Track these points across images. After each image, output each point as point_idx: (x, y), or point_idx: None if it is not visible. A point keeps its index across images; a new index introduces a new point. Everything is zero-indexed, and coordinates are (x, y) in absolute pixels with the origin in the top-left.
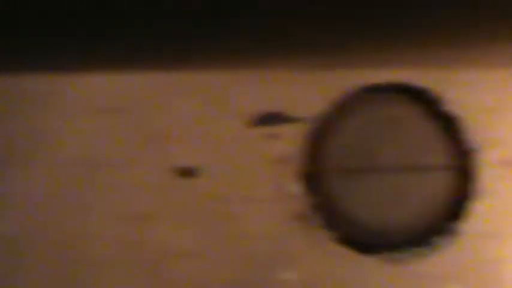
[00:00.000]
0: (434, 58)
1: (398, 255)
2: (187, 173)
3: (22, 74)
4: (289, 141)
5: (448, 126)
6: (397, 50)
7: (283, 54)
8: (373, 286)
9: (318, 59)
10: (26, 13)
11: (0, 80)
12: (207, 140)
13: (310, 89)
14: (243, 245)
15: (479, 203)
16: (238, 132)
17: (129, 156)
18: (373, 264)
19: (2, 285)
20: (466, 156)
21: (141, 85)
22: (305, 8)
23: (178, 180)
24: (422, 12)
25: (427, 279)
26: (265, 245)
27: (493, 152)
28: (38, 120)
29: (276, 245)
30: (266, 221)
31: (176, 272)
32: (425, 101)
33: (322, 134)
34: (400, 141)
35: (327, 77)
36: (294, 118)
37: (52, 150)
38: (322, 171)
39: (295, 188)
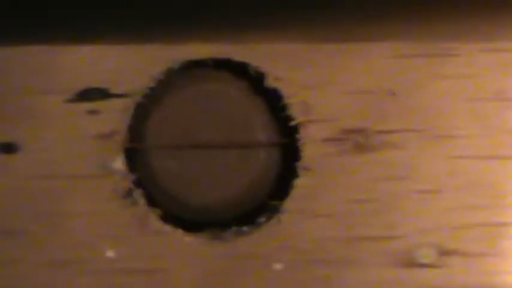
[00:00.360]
0: (256, 33)
1: (221, 234)
2: (7, 149)
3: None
4: (111, 117)
5: (272, 102)
6: (220, 24)
7: (104, 27)
8: (198, 265)
9: (140, 33)
10: None
11: None
12: (26, 115)
13: (132, 64)
14: (65, 223)
15: (302, 181)
16: (59, 107)
17: None
18: (196, 242)
19: None
20: (290, 133)
21: None
22: None
23: None
24: None
25: (250, 259)
26: (88, 222)
27: (317, 129)
28: None
29: (99, 222)
30: (89, 198)
31: None
32: (248, 77)
33: (144, 109)
34: (224, 118)
35: (149, 52)
36: (116, 93)
37: None
38: (145, 148)
39: (118, 164)
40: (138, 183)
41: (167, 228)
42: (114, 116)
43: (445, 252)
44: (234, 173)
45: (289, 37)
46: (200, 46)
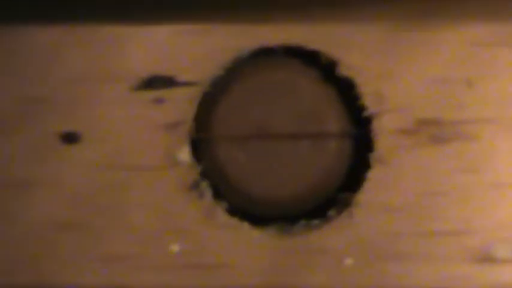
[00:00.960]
0: (331, 18)
1: (291, 227)
2: (69, 138)
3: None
4: (177, 106)
5: (344, 91)
6: (293, 6)
7: (170, 12)
8: (266, 260)
9: (207, 19)
10: None
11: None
12: (88, 103)
13: (199, 51)
14: (128, 216)
15: (375, 173)
16: (123, 96)
17: (8, 121)
18: (265, 237)
19: None
20: (362, 123)
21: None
22: None
23: (60, 146)
24: None
25: (321, 253)
26: (152, 215)
27: (391, 120)
28: None
29: (163, 215)
30: (152, 190)
31: (56, 243)
32: (319, 65)
33: (211, 98)
34: (293, 107)
35: (217, 39)
36: (183, 82)
37: None
38: (212, 138)
39: (184, 156)
40: (205, 175)
41: (234, 221)
42: (180, 105)
43: None
44: (303, 165)
45: (361, 24)
46: (270, 31)
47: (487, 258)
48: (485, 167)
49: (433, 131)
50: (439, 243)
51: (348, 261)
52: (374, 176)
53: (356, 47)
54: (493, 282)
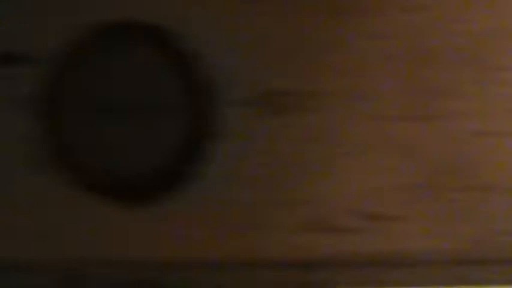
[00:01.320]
0: None
1: (137, 200)
2: None
3: None
4: (23, 82)
5: (185, 64)
6: None
7: None
8: (114, 231)
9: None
10: None
11: None
12: None
13: (44, 28)
14: None
15: (223, 145)
16: None
17: None
18: (112, 208)
19: None
20: (206, 95)
21: None
22: None
23: None
24: None
25: (169, 224)
26: None
27: (236, 91)
28: None
29: (8, 188)
30: None
31: None
32: (161, 38)
33: (56, 74)
34: (136, 82)
35: (61, 16)
36: (28, 58)
37: None
38: (58, 113)
39: (30, 130)
40: (50, 149)
41: (81, 194)
42: (27, 81)
43: (367, 216)
44: (149, 137)
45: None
46: (108, 8)
47: (330, 227)
48: (327, 137)
49: (278, 102)
50: (285, 213)
51: (197, 233)
52: (222, 147)
53: (199, 20)
54: (336, 250)
